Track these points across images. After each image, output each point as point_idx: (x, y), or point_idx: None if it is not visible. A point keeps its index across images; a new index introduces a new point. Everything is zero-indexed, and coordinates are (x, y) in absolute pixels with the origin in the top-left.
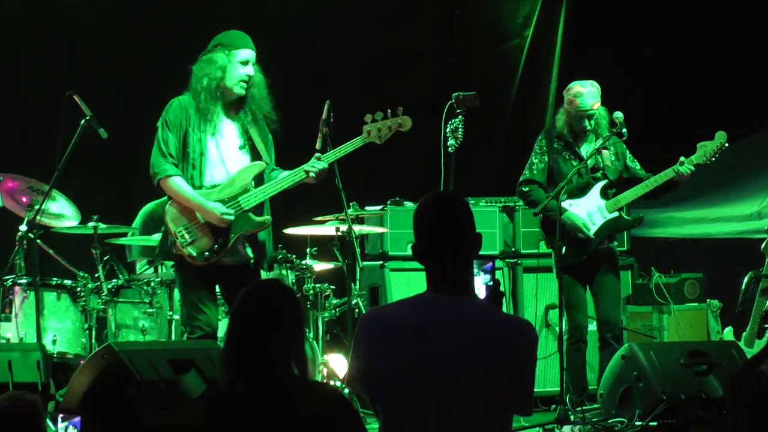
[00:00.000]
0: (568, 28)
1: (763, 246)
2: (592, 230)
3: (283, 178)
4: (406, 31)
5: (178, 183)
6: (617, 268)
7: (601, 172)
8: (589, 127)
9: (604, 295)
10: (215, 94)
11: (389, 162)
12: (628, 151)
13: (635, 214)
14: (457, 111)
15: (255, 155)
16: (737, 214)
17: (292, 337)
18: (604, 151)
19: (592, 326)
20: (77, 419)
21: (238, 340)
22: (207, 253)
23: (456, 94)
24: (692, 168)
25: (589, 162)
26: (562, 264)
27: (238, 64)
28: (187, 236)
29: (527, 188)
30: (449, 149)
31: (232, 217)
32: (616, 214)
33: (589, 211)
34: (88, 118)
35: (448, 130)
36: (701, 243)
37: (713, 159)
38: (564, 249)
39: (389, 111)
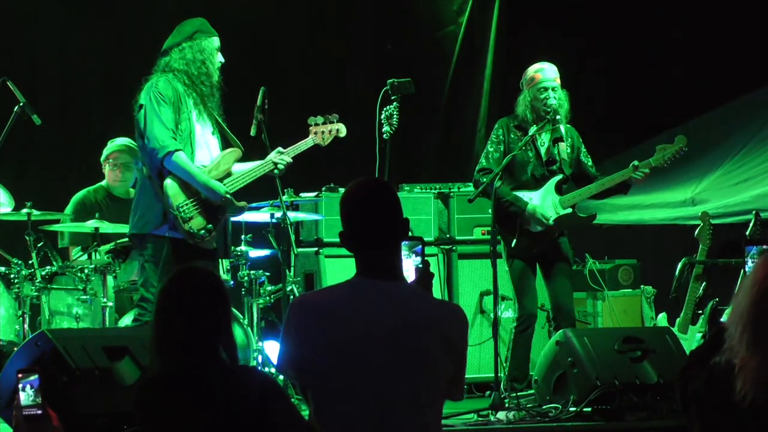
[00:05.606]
0: (503, 14)
1: (696, 232)
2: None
3: (256, 168)
4: (344, 17)
5: (184, 158)
6: (569, 259)
7: (557, 165)
8: (554, 103)
9: (559, 284)
10: (208, 80)
11: (324, 149)
12: (583, 146)
13: (588, 211)
14: (392, 98)
15: (224, 140)
16: (671, 200)
17: (219, 322)
18: (561, 144)
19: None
20: (35, 378)
21: (165, 327)
22: (202, 232)
23: (391, 80)
24: (647, 171)
25: (543, 154)
26: (514, 254)
27: (215, 50)
28: (187, 212)
29: (485, 179)
30: (384, 136)
31: (231, 197)
32: (570, 210)
33: (543, 205)
34: (21, 104)
35: (383, 116)
36: (635, 229)
37: (669, 162)
38: (514, 241)
39: (327, 117)
